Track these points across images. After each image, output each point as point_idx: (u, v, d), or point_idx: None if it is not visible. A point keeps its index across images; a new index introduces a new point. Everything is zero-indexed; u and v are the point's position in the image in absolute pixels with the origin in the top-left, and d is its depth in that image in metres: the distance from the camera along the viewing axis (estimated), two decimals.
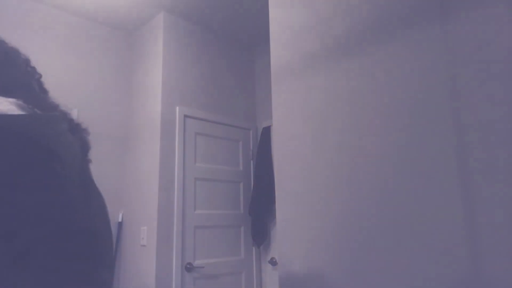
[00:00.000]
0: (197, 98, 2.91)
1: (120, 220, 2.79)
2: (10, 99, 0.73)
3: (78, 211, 0.65)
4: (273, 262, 2.94)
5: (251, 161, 3.20)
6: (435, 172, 1.16)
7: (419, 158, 1.20)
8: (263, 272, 3.05)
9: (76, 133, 0.81)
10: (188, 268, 2.57)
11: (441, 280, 1.10)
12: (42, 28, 2.68)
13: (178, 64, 2.84)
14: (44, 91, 0.97)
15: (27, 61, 0.99)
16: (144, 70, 2.91)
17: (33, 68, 1.01)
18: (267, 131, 3.10)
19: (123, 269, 2.73)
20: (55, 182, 0.64)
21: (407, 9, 1.29)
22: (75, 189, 0.67)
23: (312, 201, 1.49)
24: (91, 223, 0.68)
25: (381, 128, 1.32)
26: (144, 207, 2.64)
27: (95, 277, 0.65)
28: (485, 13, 1.10)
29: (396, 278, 1.20)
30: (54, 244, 0.59)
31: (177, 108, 2.74)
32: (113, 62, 3.02)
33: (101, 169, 2.80)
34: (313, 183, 1.50)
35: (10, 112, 0.68)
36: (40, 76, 1.00)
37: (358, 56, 1.42)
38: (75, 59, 2.81)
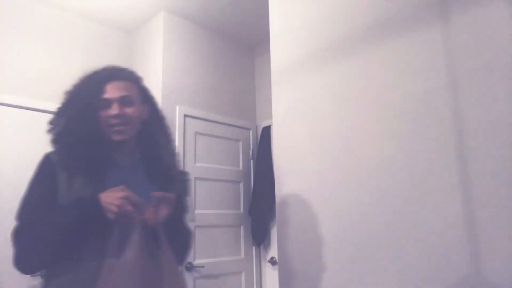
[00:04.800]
0: (197, 98, 2.91)
1: None
2: None
3: None
4: (273, 262, 2.94)
5: (251, 161, 3.20)
6: (436, 172, 1.16)
7: (420, 158, 1.20)
8: (263, 272, 3.05)
9: None
10: (188, 267, 2.57)
11: (442, 281, 1.10)
12: (42, 28, 2.68)
13: (178, 64, 2.84)
14: None
15: None
16: (144, 70, 2.90)
17: None
18: (267, 131, 3.10)
19: None
20: None
21: (407, 9, 1.29)
22: None
23: (312, 201, 1.49)
24: None
25: (381, 128, 1.31)
26: None
27: None
28: (485, 13, 1.10)
29: (396, 278, 1.20)
30: None
31: (177, 107, 2.74)
32: (113, 62, 3.01)
33: None
34: (313, 183, 1.50)
35: None
36: None
37: (358, 56, 1.42)
38: (75, 58, 2.80)
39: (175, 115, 2.73)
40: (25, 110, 2.51)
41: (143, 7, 2.79)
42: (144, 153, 1.20)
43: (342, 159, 1.41)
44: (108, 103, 1.10)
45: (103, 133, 1.11)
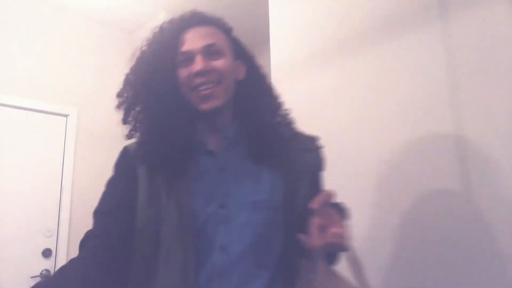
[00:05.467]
0: None
1: None
2: None
3: None
4: None
5: None
6: (435, 172, 1.16)
7: (419, 159, 1.20)
8: None
9: None
10: None
11: (440, 281, 1.10)
12: (42, 29, 2.68)
13: None
14: None
15: None
16: None
17: None
18: None
19: None
20: None
21: (407, 9, 1.29)
22: None
23: None
24: None
25: (380, 128, 1.31)
26: None
27: None
28: (485, 12, 1.10)
29: (396, 278, 1.20)
30: None
31: None
32: (114, 61, 3.02)
33: (101, 169, 2.79)
34: None
35: None
36: None
37: (357, 56, 1.41)
38: (75, 58, 2.80)
39: None
40: (25, 110, 2.51)
41: (143, 7, 2.79)
42: (248, 127, 0.83)
43: (342, 159, 1.41)
44: (188, 57, 0.78)
45: (186, 102, 0.78)
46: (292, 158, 0.82)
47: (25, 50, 2.57)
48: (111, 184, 0.81)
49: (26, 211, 2.38)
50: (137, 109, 0.81)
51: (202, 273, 0.71)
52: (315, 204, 0.66)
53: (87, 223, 2.51)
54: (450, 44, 1.17)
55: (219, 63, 0.78)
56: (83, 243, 0.74)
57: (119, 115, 0.83)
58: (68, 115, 2.68)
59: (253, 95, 0.85)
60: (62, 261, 2.45)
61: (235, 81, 0.83)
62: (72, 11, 2.82)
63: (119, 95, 0.85)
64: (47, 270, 2.39)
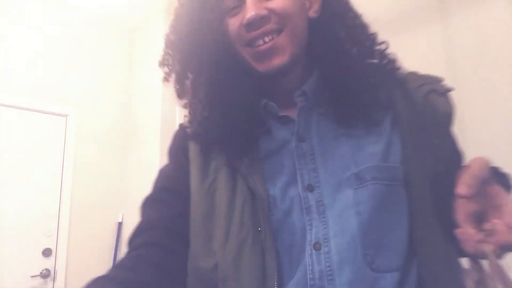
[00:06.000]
0: None
1: (120, 220, 2.79)
2: None
3: None
4: None
5: None
6: None
7: None
8: None
9: None
10: None
11: None
12: (42, 28, 2.68)
13: None
14: None
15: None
16: (144, 69, 2.90)
17: None
18: None
19: None
20: None
21: (407, 9, 1.29)
22: None
23: None
24: None
25: None
26: None
27: None
28: (484, 12, 1.10)
29: None
30: None
31: (177, 108, 2.74)
32: (113, 61, 3.02)
33: (101, 169, 2.80)
34: None
35: None
36: None
37: None
38: (75, 58, 2.81)
39: (175, 115, 2.73)
40: (25, 110, 2.51)
41: (143, 7, 2.79)
42: (332, 78, 0.59)
43: None
44: (237, 2, 0.56)
45: (243, 61, 0.58)
46: (410, 105, 0.57)
47: (25, 50, 2.57)
48: (161, 170, 0.67)
49: (26, 210, 2.39)
50: (190, 76, 0.63)
51: (292, 284, 0.50)
52: (464, 189, 0.40)
53: (87, 223, 2.54)
54: (450, 44, 1.17)
55: (277, 2, 0.55)
56: (130, 243, 0.60)
57: (171, 87, 0.66)
58: (68, 115, 2.69)
59: (334, 34, 0.60)
60: (62, 260, 2.45)
61: (306, 20, 0.60)
62: (72, 11, 2.82)
63: (162, 63, 0.65)
64: (47, 270, 2.39)
